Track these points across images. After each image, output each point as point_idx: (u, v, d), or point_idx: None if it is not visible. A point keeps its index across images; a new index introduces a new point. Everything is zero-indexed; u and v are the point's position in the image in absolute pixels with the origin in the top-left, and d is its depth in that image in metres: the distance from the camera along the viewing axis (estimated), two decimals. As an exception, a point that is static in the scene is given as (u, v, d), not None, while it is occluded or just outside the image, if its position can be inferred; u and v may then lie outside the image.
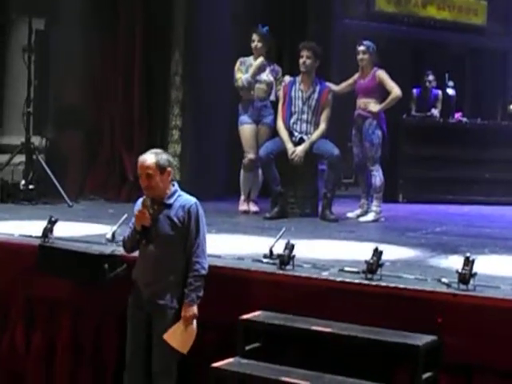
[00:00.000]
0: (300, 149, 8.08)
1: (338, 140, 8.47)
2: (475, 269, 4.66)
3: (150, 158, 4.85)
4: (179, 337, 4.80)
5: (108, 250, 5.59)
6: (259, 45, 8.49)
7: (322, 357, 4.67)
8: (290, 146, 8.10)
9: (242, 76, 8.46)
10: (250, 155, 8.45)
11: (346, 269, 5.13)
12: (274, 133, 8.41)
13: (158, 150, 4.97)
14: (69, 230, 6.47)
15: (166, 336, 4.78)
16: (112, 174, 9.60)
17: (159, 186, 4.84)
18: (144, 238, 4.87)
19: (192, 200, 4.90)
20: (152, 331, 4.86)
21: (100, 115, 9.73)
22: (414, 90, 11.14)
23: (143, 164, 4.84)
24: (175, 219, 4.82)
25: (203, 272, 4.80)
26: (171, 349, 4.79)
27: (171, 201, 4.88)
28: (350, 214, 8.43)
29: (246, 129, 8.51)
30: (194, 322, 4.82)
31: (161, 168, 4.82)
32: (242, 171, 8.54)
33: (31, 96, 9.05)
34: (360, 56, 8.26)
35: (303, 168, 8.20)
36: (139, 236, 4.88)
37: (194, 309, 4.78)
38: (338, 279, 4.93)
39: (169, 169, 4.87)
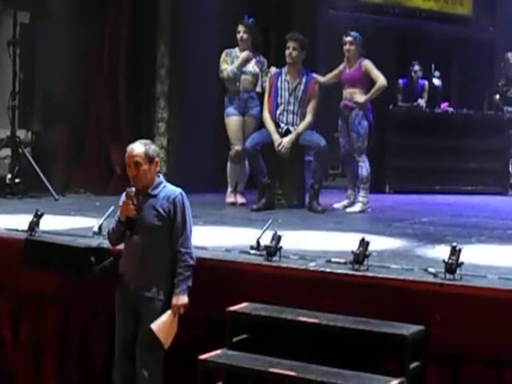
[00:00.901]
0: (286, 140, 8.07)
1: (324, 131, 8.45)
2: (462, 258, 4.68)
3: (138, 147, 4.85)
4: (165, 328, 4.77)
5: (94, 242, 5.58)
6: (245, 36, 8.47)
7: (309, 348, 4.68)
8: (276, 137, 8.09)
9: (227, 67, 8.44)
10: (237, 147, 8.44)
11: (333, 259, 5.14)
12: (260, 124, 8.39)
13: (146, 141, 4.99)
14: (55, 224, 6.46)
15: (153, 326, 4.74)
16: (99, 167, 9.56)
17: (147, 175, 4.84)
18: (129, 229, 4.86)
19: (177, 190, 4.90)
20: (139, 324, 4.84)
21: (86, 108, 9.69)
22: (400, 81, 11.12)
23: (131, 153, 4.84)
24: (160, 210, 4.81)
25: (192, 262, 4.80)
26: (157, 342, 4.75)
27: (156, 191, 4.87)
28: (336, 205, 8.43)
29: (233, 120, 8.49)
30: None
31: (149, 157, 4.82)
32: (228, 163, 8.53)
33: (16, 89, 9.02)
34: (347, 47, 8.26)
35: (290, 159, 8.18)
36: (124, 227, 4.87)
37: (185, 298, 4.77)
38: (325, 270, 4.94)
39: (157, 159, 4.88)
